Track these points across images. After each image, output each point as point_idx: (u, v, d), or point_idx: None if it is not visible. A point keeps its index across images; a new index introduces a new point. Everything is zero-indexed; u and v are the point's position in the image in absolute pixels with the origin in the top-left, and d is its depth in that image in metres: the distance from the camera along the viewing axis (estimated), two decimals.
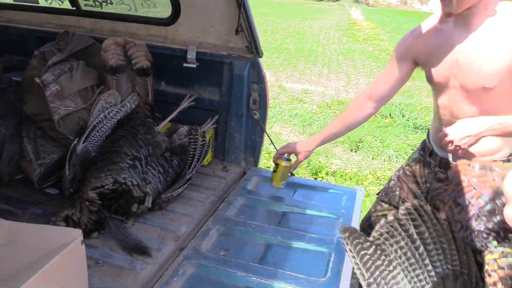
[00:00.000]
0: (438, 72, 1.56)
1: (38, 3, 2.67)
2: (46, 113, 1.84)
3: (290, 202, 1.87)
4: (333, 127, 1.87)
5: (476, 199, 1.14)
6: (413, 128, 5.28)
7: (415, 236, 1.29)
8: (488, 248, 1.09)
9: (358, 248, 1.43)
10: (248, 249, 1.55)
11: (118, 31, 2.34)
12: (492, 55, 1.41)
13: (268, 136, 2.21)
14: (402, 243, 1.31)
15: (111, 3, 2.42)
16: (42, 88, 1.82)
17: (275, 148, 2.09)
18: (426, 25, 1.60)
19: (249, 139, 2.20)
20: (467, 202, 1.17)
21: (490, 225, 1.10)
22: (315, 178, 3.81)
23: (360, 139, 4.88)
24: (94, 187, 1.59)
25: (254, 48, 2.00)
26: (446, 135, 1.49)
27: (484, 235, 1.11)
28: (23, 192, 1.81)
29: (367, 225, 1.94)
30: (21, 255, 1.06)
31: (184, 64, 2.12)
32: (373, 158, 4.47)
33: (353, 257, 1.41)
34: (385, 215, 1.67)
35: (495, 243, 1.08)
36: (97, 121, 1.78)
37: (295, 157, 1.92)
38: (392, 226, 1.35)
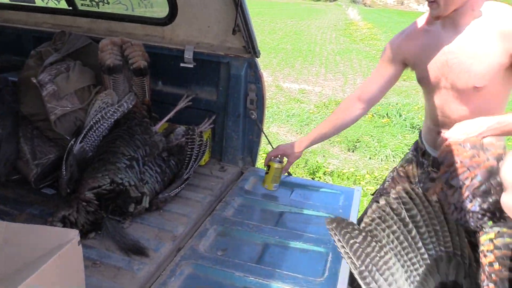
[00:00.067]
0: (428, 73, 1.58)
1: (34, 3, 2.66)
2: (43, 113, 1.84)
3: (288, 202, 1.87)
4: (323, 128, 1.88)
5: (470, 180, 1.14)
6: (410, 128, 5.29)
7: (407, 219, 1.29)
8: (483, 229, 1.08)
9: (346, 237, 1.43)
10: (246, 249, 1.55)
11: (115, 31, 2.34)
12: (481, 54, 1.43)
13: (266, 136, 2.22)
14: (395, 227, 1.30)
15: (108, 3, 2.42)
16: (39, 88, 1.81)
17: (272, 148, 2.09)
18: (415, 27, 1.63)
19: (246, 139, 2.20)
20: (460, 183, 1.16)
21: (485, 206, 1.10)
22: (312, 178, 3.82)
23: (358, 139, 4.89)
24: (91, 187, 1.59)
25: (251, 48, 2.00)
26: (445, 139, 1.50)
27: (479, 216, 1.11)
28: (19, 192, 1.80)
29: None
30: (18, 255, 1.05)
31: (181, 64, 2.12)
32: (370, 158, 4.48)
33: (342, 246, 1.41)
34: None
35: (490, 223, 1.08)
36: (94, 121, 1.77)
37: (286, 159, 1.93)
38: (383, 211, 1.35)
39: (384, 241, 1.33)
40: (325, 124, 1.89)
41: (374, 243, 1.37)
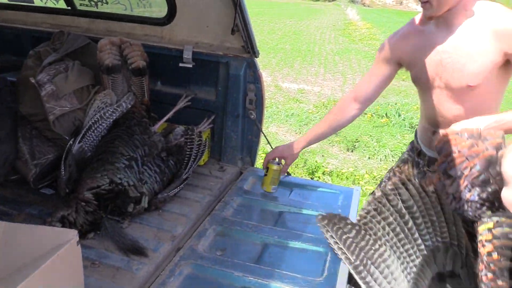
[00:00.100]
0: (423, 72, 1.60)
1: (33, 2, 2.66)
2: (42, 113, 1.83)
3: (287, 202, 1.87)
4: (319, 128, 1.90)
5: (469, 170, 1.12)
6: (409, 127, 5.29)
7: (403, 210, 1.28)
8: (482, 219, 1.08)
9: (339, 233, 1.42)
10: (245, 249, 1.55)
11: (113, 31, 2.33)
12: (475, 53, 1.45)
13: (265, 136, 2.22)
14: (391, 218, 1.30)
15: (107, 3, 2.41)
16: (38, 88, 1.81)
17: (271, 148, 2.09)
18: (409, 27, 1.65)
19: (245, 139, 2.20)
20: (459, 173, 1.15)
21: (484, 195, 1.09)
22: (311, 178, 3.82)
23: (357, 139, 4.89)
24: (90, 187, 1.59)
25: (250, 48, 2.00)
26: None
27: (478, 206, 1.10)
28: (18, 192, 1.80)
29: None
30: (16, 256, 1.05)
31: (180, 64, 2.12)
32: (369, 158, 4.48)
33: (336, 243, 1.41)
34: None
35: (489, 213, 1.07)
36: (93, 121, 1.77)
37: (284, 161, 1.93)
38: (380, 202, 1.34)
39: (379, 234, 1.33)
40: (322, 124, 1.90)
41: (368, 237, 1.36)
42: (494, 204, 1.08)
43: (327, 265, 1.42)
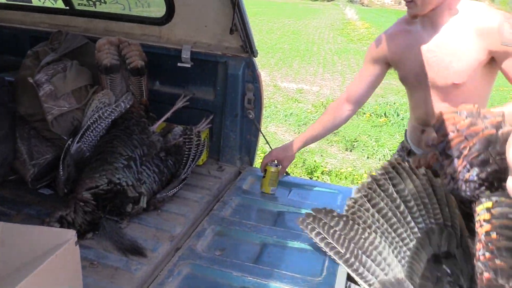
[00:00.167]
0: (409, 71, 1.63)
1: (31, 2, 2.65)
2: (40, 113, 1.83)
3: (286, 201, 1.87)
4: (314, 129, 1.91)
5: (468, 150, 1.11)
6: None
7: (394, 195, 1.28)
8: (480, 198, 1.07)
9: (326, 228, 1.41)
10: (244, 249, 1.55)
11: (112, 31, 2.33)
12: (460, 52, 1.47)
13: (263, 135, 2.21)
14: (382, 204, 1.29)
15: (105, 3, 2.41)
16: (36, 88, 1.81)
17: (270, 147, 2.09)
18: (396, 27, 1.68)
19: (244, 138, 2.20)
20: (458, 153, 1.13)
21: (483, 175, 1.08)
22: (310, 178, 3.82)
23: (355, 139, 4.90)
24: (88, 187, 1.58)
25: (248, 48, 2.00)
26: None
27: (477, 185, 1.09)
28: (16, 192, 1.80)
29: None
30: (15, 256, 1.05)
31: (179, 64, 2.12)
32: (368, 157, 4.48)
33: (324, 238, 1.39)
34: None
35: (488, 192, 1.06)
36: (91, 121, 1.77)
37: (281, 163, 1.94)
38: (370, 188, 1.33)
39: (369, 221, 1.31)
40: (317, 125, 1.91)
41: (357, 226, 1.35)
42: (493, 184, 1.06)
43: (326, 264, 1.42)
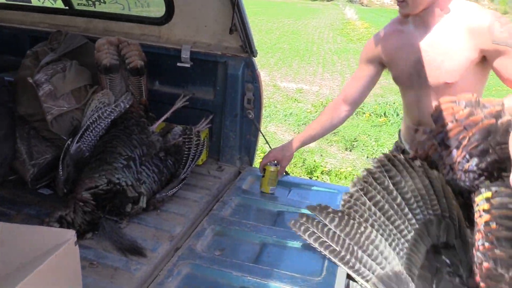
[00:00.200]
0: (402, 71, 1.64)
1: (31, 2, 2.65)
2: (39, 113, 1.83)
3: (285, 201, 1.87)
4: (312, 129, 1.92)
5: (467, 140, 1.11)
6: None
7: (391, 187, 1.26)
8: (480, 189, 1.06)
9: (320, 226, 1.40)
10: (244, 248, 1.55)
11: (111, 31, 2.33)
12: (451, 51, 1.48)
13: (263, 135, 2.21)
14: (378, 197, 1.28)
15: (104, 2, 2.41)
16: (35, 88, 1.81)
17: (270, 147, 2.09)
18: (389, 28, 1.70)
19: (244, 138, 2.20)
20: (457, 143, 1.13)
21: (483, 165, 1.08)
22: (310, 177, 3.82)
23: (355, 138, 4.90)
24: (88, 187, 1.58)
25: (248, 47, 2.00)
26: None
27: (476, 176, 1.08)
28: (16, 193, 1.79)
29: None
30: (14, 256, 1.05)
31: (178, 64, 2.12)
32: (367, 157, 4.48)
33: (319, 237, 1.38)
34: None
35: (487, 183, 1.05)
36: (91, 121, 1.77)
37: (280, 163, 1.94)
38: (366, 182, 1.32)
39: (365, 215, 1.30)
40: (315, 125, 1.92)
41: (352, 221, 1.34)
42: (493, 174, 1.06)
43: (326, 264, 1.42)
